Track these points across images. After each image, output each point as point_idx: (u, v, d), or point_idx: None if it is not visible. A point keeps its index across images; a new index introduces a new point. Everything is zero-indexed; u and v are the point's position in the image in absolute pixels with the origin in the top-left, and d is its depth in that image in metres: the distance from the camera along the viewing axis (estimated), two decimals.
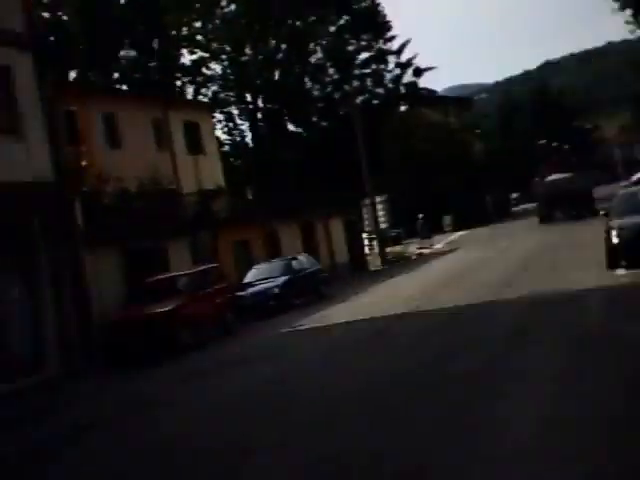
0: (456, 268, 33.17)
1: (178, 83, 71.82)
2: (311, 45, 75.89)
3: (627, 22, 34.58)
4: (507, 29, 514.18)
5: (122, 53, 50.72)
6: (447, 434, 9.16)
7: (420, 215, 54.41)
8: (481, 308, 19.72)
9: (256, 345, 22.42)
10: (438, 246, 51.15)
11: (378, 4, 77.96)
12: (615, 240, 21.85)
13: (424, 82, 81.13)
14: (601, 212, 25.99)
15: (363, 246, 49.74)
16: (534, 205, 65.03)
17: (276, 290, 30.69)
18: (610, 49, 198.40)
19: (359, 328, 20.76)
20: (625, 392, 9.53)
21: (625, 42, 60.08)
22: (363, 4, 77.23)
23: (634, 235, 21.53)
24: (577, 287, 19.61)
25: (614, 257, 21.97)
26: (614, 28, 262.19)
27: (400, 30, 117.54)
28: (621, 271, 21.17)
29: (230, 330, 26.55)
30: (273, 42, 73.49)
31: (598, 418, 8.61)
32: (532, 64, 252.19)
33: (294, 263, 33.38)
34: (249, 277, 32.64)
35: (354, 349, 17.65)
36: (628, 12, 34.78)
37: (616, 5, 34.57)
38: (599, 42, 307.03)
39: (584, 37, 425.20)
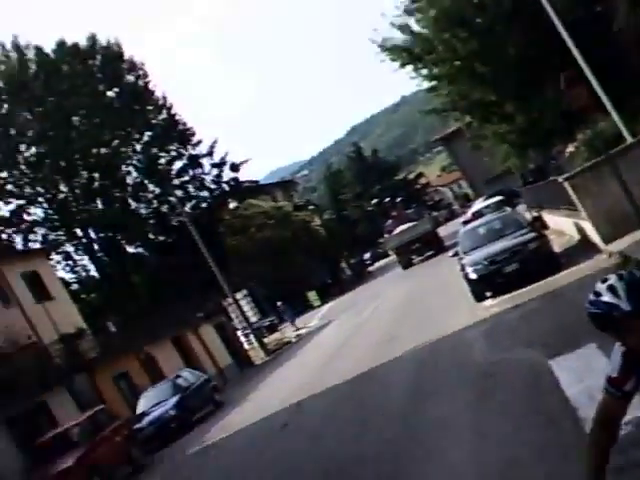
0: (336, 340, 33.05)
1: (4, 236, 69.58)
2: (123, 167, 75.22)
3: (411, 77, 36.41)
4: (310, 106, 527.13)
5: None
6: None
7: (279, 303, 54.18)
8: (371, 375, 19.64)
9: (169, 475, 21.29)
10: (313, 323, 51.06)
11: (174, 114, 78.30)
12: (473, 276, 22.82)
13: (245, 175, 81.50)
14: (449, 254, 26.98)
15: (241, 343, 48.90)
16: (387, 261, 66.85)
17: (172, 412, 29.70)
18: (406, 102, 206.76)
19: (263, 428, 20.31)
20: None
21: (417, 92, 62.64)
22: (160, 117, 77.33)
23: (487, 267, 22.59)
24: (456, 328, 19.85)
25: (478, 291, 22.91)
26: (404, 83, 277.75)
27: (208, 132, 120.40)
28: (489, 302, 21.92)
29: (139, 466, 25.61)
30: (85, 174, 72.28)
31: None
32: (340, 133, 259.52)
33: (180, 381, 32.52)
34: (141, 407, 31.51)
35: (267, 451, 17.13)
36: (409, 68, 36.59)
37: (396, 65, 36.27)
38: (395, 98, 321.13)
39: (381, 97, 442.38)
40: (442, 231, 62.03)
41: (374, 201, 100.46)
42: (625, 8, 26.11)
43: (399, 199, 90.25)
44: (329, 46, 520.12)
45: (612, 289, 3.78)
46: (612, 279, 3.83)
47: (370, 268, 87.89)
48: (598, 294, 3.82)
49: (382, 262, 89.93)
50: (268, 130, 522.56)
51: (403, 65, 36.37)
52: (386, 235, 61.73)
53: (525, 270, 21.97)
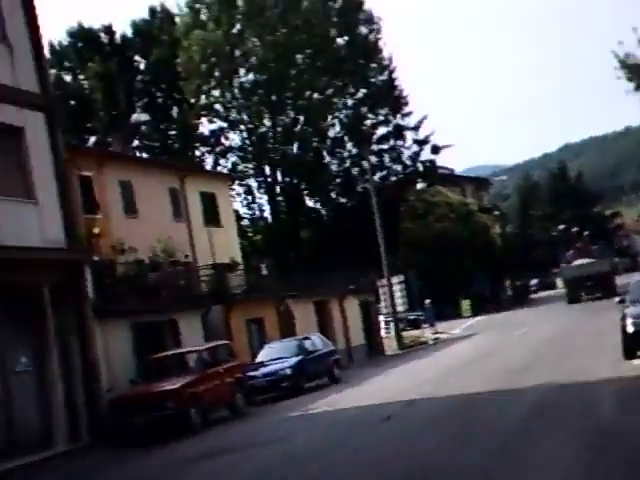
0: (472, 354, 32.85)
1: (197, 153, 71.77)
2: (329, 118, 75.49)
3: None
4: (525, 112, 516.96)
5: (134, 117, 50.22)
6: None
7: (427, 300, 53.84)
8: (490, 398, 19.40)
9: (263, 429, 21.58)
10: (456, 331, 50.52)
11: (395, 78, 77.68)
12: (631, 329, 21.43)
13: (442, 160, 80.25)
14: (616, 300, 25.66)
15: (380, 329, 48.58)
16: (553, 293, 66.04)
17: (288, 371, 29.74)
18: (630, 133, 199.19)
19: (369, 414, 20.22)
20: None
21: None
22: (380, 77, 76.93)
23: None
24: (593, 378, 19.28)
25: (631, 347, 21.57)
26: (633, 112, 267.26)
27: (417, 106, 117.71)
28: (638, 361, 20.77)
29: (238, 412, 25.78)
30: (291, 114, 73.11)
31: None
32: (551, 147, 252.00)
33: (307, 343, 32.50)
34: (261, 356, 31.74)
35: (361, 436, 17.04)
36: None
37: (631, 86, 34.47)
38: (618, 126, 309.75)
39: (604, 121, 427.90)
40: (618, 279, 60.12)
41: (561, 227, 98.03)
42: None
43: (587, 232, 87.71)
44: (563, 53, 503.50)
45: None
46: None
47: (533, 295, 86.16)
48: None
49: (547, 292, 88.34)
50: (479, 124, 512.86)
51: (638, 88, 34.71)
52: (563, 264, 61.49)
53: None
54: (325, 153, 75.89)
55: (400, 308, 49.82)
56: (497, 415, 16.89)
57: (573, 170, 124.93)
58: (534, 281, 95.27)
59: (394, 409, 19.92)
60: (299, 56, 72.42)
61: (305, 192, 74.68)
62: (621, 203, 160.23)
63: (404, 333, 49.51)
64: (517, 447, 13.08)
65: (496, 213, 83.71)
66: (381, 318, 49.32)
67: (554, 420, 15.30)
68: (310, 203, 76.27)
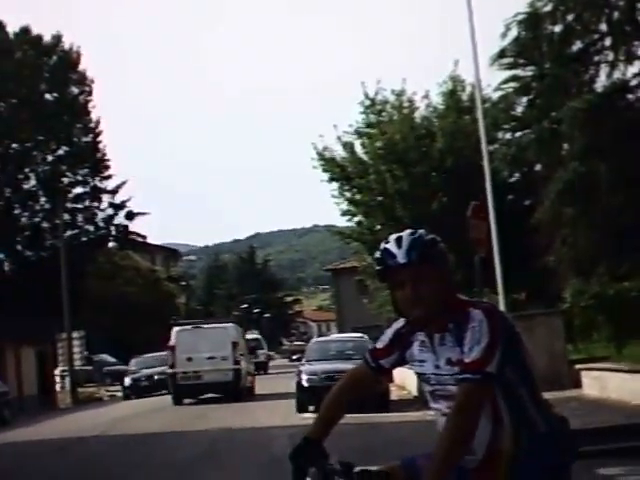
0: (153, 407, 32.96)
1: None
2: (26, 170, 73.44)
3: (333, 196, 37.40)
4: (218, 197, 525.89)
5: None
6: None
7: (97, 357, 52.59)
8: (174, 435, 20.21)
9: None
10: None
11: (99, 141, 77.17)
12: (306, 384, 23.50)
13: (137, 226, 79.92)
14: (293, 357, 28.01)
15: (54, 382, 46.80)
16: None
17: None
18: (315, 231, 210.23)
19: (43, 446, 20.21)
20: None
21: (329, 226, 64.16)
22: (84, 139, 76.18)
23: (323, 380, 22.84)
24: (265, 425, 21.06)
25: (304, 400, 23.33)
26: (321, 213, 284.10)
27: (118, 169, 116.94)
28: (308, 415, 22.07)
29: None
30: None
31: None
32: (242, 234, 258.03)
33: None
34: None
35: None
36: (335, 185, 38.01)
37: (326, 176, 37.47)
38: (307, 223, 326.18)
39: (295, 217, 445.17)
40: None
41: (244, 306, 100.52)
42: (549, 205, 27.45)
43: (267, 314, 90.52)
44: (271, 145, 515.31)
45: (398, 240, 3.77)
46: (406, 232, 3.82)
47: None
48: (387, 241, 3.81)
49: None
50: (180, 203, 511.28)
51: (332, 180, 37.22)
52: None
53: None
54: (17, 205, 73.32)
55: (77, 363, 48.84)
56: (179, 448, 17.51)
57: (261, 257, 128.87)
58: None
59: (67, 443, 20.17)
60: (2, 104, 70.20)
61: None
62: (302, 293, 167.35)
63: (80, 389, 47.93)
64: (201, 470, 14.15)
65: (183, 284, 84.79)
66: (57, 371, 47.80)
67: (235, 452, 16.60)
68: None
